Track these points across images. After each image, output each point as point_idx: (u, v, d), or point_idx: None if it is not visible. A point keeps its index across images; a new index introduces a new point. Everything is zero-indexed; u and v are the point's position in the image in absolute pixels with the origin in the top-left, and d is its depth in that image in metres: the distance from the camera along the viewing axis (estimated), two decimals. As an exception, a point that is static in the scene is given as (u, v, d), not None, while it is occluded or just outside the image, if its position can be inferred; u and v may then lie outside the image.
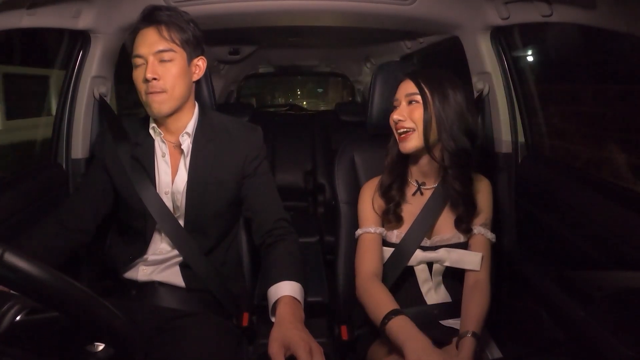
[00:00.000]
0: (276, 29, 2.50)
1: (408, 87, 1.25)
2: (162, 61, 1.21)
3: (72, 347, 0.68)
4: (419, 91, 1.22)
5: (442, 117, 1.21)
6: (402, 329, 1.08)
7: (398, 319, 1.11)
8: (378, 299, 1.18)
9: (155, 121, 1.30)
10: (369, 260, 1.27)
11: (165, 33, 1.21)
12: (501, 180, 1.64)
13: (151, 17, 1.22)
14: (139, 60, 1.22)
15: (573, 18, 1.25)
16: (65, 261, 1.25)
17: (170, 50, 1.21)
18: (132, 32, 1.25)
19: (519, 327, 1.46)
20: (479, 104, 1.69)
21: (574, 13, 1.24)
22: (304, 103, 7.58)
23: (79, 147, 1.63)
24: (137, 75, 1.23)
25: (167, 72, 1.21)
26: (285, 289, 1.14)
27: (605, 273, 1.18)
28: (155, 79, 1.20)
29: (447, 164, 1.24)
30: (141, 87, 1.22)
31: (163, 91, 1.22)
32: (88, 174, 1.41)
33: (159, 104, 1.22)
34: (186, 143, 1.29)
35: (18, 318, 0.65)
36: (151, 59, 1.20)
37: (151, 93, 1.21)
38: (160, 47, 1.20)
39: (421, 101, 1.22)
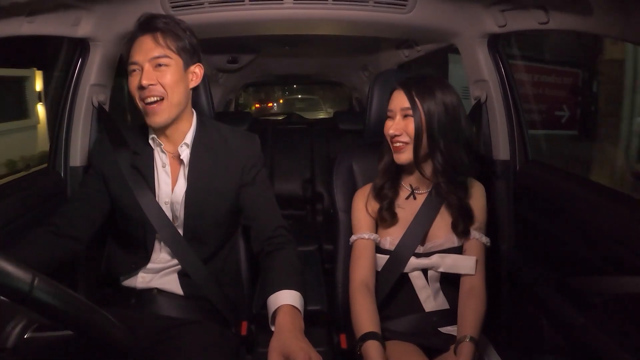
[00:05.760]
0: (275, 38, 2.51)
1: (403, 101, 1.24)
2: (157, 66, 1.21)
3: None
4: (411, 105, 1.22)
5: (434, 131, 1.20)
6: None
7: (366, 346, 1.11)
8: (359, 316, 1.19)
9: (155, 131, 1.30)
10: (361, 267, 1.27)
11: (160, 40, 1.21)
12: (499, 187, 1.63)
13: (147, 25, 1.23)
14: (134, 67, 1.22)
15: (569, 25, 1.26)
16: (58, 269, 1.20)
17: (166, 56, 1.21)
18: (129, 40, 1.25)
19: (518, 332, 1.45)
20: (477, 111, 1.70)
21: (570, 20, 1.25)
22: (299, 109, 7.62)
23: (77, 155, 1.62)
24: (132, 82, 1.22)
25: (163, 77, 1.21)
26: (285, 298, 1.13)
27: (604, 279, 1.17)
28: (151, 84, 1.19)
29: (438, 181, 1.24)
30: (136, 94, 1.22)
31: (161, 98, 1.21)
32: (84, 183, 1.39)
33: (158, 114, 1.22)
34: (185, 153, 1.29)
35: (26, 335, 0.64)
36: (147, 65, 1.20)
37: (149, 104, 1.21)
38: (156, 54, 1.20)
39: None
